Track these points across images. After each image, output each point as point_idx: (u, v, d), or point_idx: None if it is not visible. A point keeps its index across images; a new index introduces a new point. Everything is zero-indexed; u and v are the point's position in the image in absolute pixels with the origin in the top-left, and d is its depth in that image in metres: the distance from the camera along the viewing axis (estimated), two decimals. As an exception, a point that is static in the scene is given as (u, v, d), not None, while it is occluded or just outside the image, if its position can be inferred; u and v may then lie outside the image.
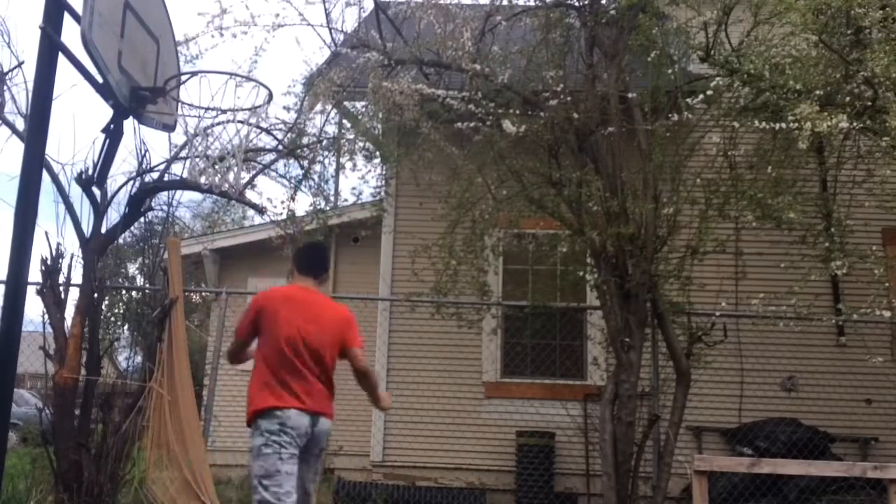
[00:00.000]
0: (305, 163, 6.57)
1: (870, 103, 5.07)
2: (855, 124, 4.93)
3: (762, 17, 5.56)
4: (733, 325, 6.99)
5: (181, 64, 5.33)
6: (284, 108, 6.54)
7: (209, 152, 4.85)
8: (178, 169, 5.62)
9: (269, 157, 6.44)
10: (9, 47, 6.32)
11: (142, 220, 5.71)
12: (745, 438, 7.24)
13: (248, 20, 6.11)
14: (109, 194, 5.23)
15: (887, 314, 5.74)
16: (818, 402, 7.54)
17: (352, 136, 6.89)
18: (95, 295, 5.17)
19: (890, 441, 7.39)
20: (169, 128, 5.06)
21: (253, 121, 4.75)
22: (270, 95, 4.63)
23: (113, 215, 5.29)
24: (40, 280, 5.05)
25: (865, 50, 5.12)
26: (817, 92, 5.00)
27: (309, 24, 6.50)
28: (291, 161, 6.60)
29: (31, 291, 4.45)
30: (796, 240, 6.12)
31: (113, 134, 4.51)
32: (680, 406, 5.63)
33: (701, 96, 5.43)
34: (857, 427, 7.44)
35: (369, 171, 7.13)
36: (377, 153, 6.93)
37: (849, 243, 5.93)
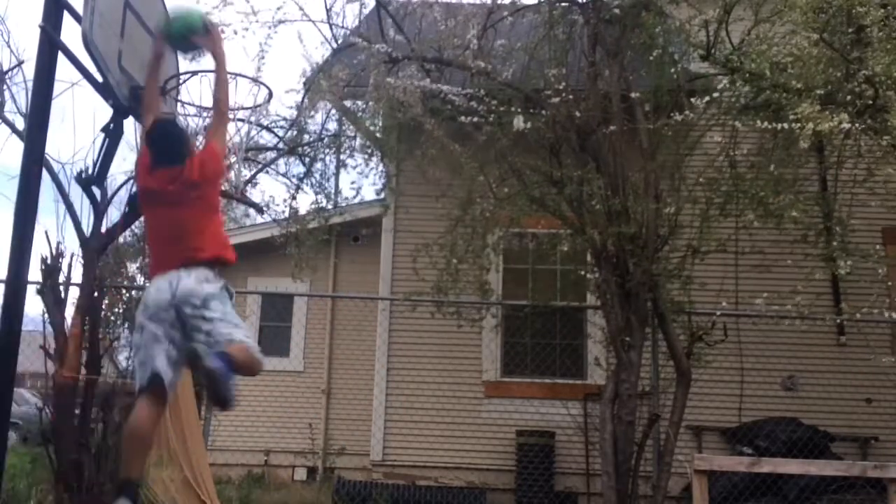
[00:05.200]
0: (307, 160, 6.56)
1: (870, 102, 5.06)
2: (857, 124, 4.92)
3: (763, 16, 5.56)
4: (733, 324, 6.98)
5: (182, 62, 5.30)
6: (288, 107, 6.52)
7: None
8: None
9: (269, 156, 6.43)
10: (8, 46, 6.32)
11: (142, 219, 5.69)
12: (745, 438, 7.24)
13: (248, 11, 6.08)
14: (109, 194, 5.21)
15: (894, 315, 5.74)
16: (818, 402, 7.54)
17: (353, 134, 6.88)
18: (95, 294, 5.16)
19: (890, 441, 7.38)
20: (170, 126, 5.03)
21: (254, 119, 4.73)
22: (270, 94, 4.63)
23: (113, 214, 5.27)
24: (40, 279, 5.04)
25: (866, 49, 5.11)
26: (818, 91, 4.99)
27: (310, 20, 6.49)
28: (292, 159, 6.59)
29: (31, 291, 4.44)
30: (797, 239, 6.12)
31: (112, 133, 4.49)
32: (680, 405, 5.63)
33: (707, 99, 5.41)
34: (857, 426, 7.43)
35: (367, 167, 7.14)
36: (377, 150, 6.92)
37: (850, 243, 5.92)
